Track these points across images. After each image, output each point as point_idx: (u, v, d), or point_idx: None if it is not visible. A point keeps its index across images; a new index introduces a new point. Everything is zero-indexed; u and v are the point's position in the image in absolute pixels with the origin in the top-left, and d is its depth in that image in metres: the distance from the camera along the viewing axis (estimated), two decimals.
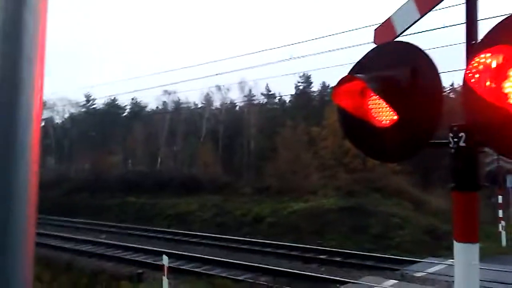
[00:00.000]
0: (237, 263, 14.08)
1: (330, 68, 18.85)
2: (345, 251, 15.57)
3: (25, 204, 1.01)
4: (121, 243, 17.83)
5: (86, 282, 10.34)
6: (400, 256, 14.61)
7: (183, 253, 15.68)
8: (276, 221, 22.33)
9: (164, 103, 54.85)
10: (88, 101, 60.57)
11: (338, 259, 14.76)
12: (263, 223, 22.66)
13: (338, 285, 11.34)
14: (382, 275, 12.18)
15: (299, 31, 71.45)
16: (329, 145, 34.36)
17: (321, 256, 15.18)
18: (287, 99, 53.21)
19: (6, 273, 0.98)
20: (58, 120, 63.48)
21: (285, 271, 12.94)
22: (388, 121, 2.58)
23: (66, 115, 61.45)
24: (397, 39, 3.01)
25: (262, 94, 52.55)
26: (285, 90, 76.85)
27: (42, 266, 11.53)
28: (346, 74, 2.69)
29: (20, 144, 1.02)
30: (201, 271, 13.17)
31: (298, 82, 51.23)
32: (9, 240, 0.99)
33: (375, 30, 3.24)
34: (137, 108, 59.47)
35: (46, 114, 64.74)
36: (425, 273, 12.04)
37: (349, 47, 14.26)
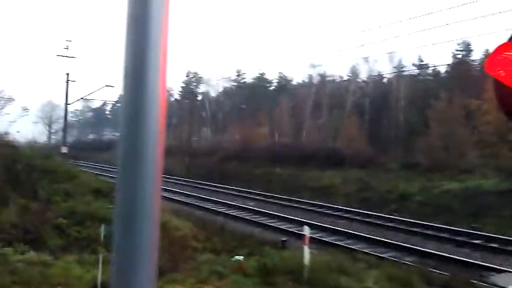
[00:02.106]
0: (381, 240, 13.75)
1: (495, 34, 16.64)
2: (505, 237, 13.98)
3: (152, 173, 1.15)
4: (267, 211, 18.78)
5: (236, 244, 11.18)
6: None
7: (325, 225, 15.87)
8: (425, 200, 21.08)
9: (310, 76, 55.22)
10: (239, 75, 64.12)
11: (495, 245, 13.36)
12: (411, 201, 21.60)
13: (493, 273, 10.32)
14: None
15: None
16: (491, 120, 30.71)
17: (475, 241, 13.90)
18: (443, 69, 48.89)
19: (133, 238, 1.13)
20: (213, 94, 68.71)
21: (433, 253, 12.21)
22: None
23: (220, 89, 66.12)
24: None
25: (413, 64, 49.21)
26: (440, 60, 70.56)
27: (199, 227, 12.82)
28: (504, 41, 2.35)
29: (147, 121, 1.15)
30: (343, 244, 13.20)
31: (456, 50, 46.60)
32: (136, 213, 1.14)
33: None
34: (284, 82, 60.99)
35: (202, 88, 70.56)
36: None
37: None
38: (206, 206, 19.92)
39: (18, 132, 27.71)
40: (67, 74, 34.29)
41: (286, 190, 26.37)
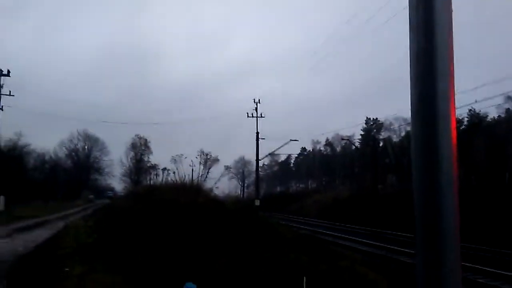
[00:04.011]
0: None
1: None
2: None
3: (452, 199, 1.17)
4: (472, 265, 16.67)
5: None
6: None
7: None
8: None
9: (508, 110, 49.18)
10: None
11: None
12: None
13: None
14: None
15: None
16: None
17: None
18: None
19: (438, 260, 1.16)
20: (395, 139, 66.46)
21: None
22: None
23: (403, 134, 63.61)
24: None
25: None
26: None
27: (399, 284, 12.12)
28: None
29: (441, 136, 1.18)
30: None
31: None
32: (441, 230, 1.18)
33: None
34: (477, 120, 55.48)
35: (384, 134, 68.99)
36: None
37: None
38: (400, 259, 18.75)
39: (217, 187, 31.21)
40: (257, 133, 37.62)
41: (495, 242, 23.12)
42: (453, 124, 1.19)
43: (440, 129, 1.17)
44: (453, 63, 1.21)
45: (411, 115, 1.23)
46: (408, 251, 20.37)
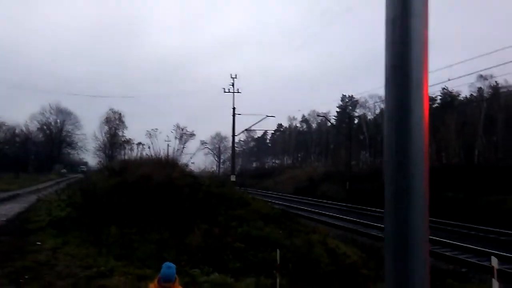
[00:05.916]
0: None
1: None
2: None
3: (422, 165, 1.18)
4: (438, 239, 17.31)
5: None
6: None
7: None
8: None
9: (479, 89, 50.22)
10: None
11: None
12: None
13: None
14: None
15: None
16: None
17: None
18: None
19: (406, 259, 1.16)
20: (370, 116, 67.30)
21: None
22: None
23: (377, 111, 64.44)
24: None
25: None
26: None
27: (367, 254, 12.46)
28: None
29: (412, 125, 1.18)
30: None
31: None
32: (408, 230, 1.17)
33: None
34: (449, 98, 56.60)
35: (359, 111, 69.75)
36: None
37: None
38: (372, 233, 19.27)
39: (193, 163, 31.06)
40: (234, 108, 37.44)
41: (461, 216, 24.02)
42: (426, 91, 1.20)
43: (412, 96, 1.18)
44: (428, 30, 1.21)
45: (385, 82, 1.24)
46: (379, 225, 20.94)
